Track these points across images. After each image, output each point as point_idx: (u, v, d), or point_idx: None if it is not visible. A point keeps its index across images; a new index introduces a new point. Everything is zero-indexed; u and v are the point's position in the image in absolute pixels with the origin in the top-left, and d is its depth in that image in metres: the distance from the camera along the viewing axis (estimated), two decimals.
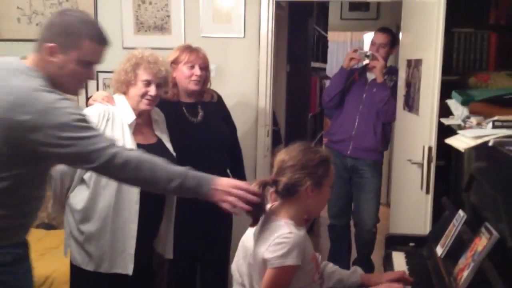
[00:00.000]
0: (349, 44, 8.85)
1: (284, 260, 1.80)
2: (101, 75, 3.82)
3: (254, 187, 1.89)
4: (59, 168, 2.39)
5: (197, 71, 2.86)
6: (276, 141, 4.12)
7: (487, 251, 1.76)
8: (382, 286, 2.08)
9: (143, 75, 2.49)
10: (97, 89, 3.83)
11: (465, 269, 1.84)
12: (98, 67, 3.80)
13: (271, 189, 1.98)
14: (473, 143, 1.82)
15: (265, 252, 1.84)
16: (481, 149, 2.05)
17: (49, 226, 3.72)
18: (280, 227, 1.86)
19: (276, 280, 1.83)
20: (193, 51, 2.91)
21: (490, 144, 1.74)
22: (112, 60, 3.67)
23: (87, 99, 2.69)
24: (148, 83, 2.49)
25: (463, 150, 1.93)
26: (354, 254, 4.07)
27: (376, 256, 4.10)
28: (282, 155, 1.96)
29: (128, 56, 2.56)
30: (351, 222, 4.06)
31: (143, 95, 2.49)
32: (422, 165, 2.84)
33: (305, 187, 1.88)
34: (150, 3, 3.71)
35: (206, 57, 2.96)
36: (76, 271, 2.49)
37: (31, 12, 3.83)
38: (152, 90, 2.49)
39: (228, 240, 3.08)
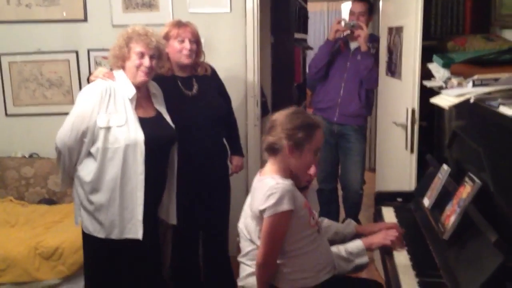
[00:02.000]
0: (326, 14, 8.97)
1: (278, 207, 2.00)
2: (92, 53, 3.92)
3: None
4: (67, 143, 2.52)
5: (187, 44, 2.97)
6: (264, 111, 4.27)
7: (472, 197, 1.94)
8: (380, 234, 2.27)
9: (135, 47, 2.59)
10: (88, 67, 3.93)
11: (451, 215, 2.03)
12: (89, 46, 3.94)
13: None
14: (456, 100, 1.98)
15: (259, 206, 2.04)
16: (461, 107, 2.21)
17: (50, 201, 3.82)
18: (268, 181, 2.07)
19: (273, 227, 2.02)
20: (182, 26, 3.02)
21: (472, 101, 1.90)
22: (102, 38, 3.85)
23: (88, 76, 2.78)
24: (141, 55, 2.59)
25: (447, 108, 2.10)
26: (342, 215, 4.27)
27: (363, 217, 4.31)
28: (274, 116, 2.18)
29: (121, 32, 2.66)
30: (339, 186, 4.26)
31: (138, 67, 2.60)
32: (406, 127, 3.02)
33: (284, 146, 2.09)
34: None
35: (196, 31, 3.06)
36: (88, 239, 2.63)
37: None
38: (146, 61, 2.60)
39: (227, 208, 3.24)
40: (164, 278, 2.98)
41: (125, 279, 2.67)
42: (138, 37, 2.60)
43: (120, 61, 2.64)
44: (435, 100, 2.19)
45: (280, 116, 2.15)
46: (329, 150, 4.03)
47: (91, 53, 3.92)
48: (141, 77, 2.62)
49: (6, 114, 4.04)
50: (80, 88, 3.91)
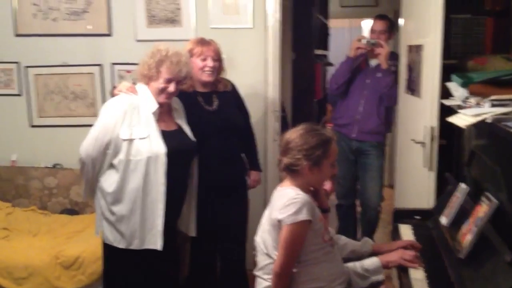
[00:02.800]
0: (347, 30, 9.00)
1: (297, 217, 2.05)
2: (115, 67, 4.00)
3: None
4: (91, 154, 2.58)
5: (209, 62, 3.02)
6: (284, 127, 4.30)
7: (488, 216, 1.95)
8: (396, 253, 2.29)
9: (165, 74, 2.62)
10: (112, 80, 4.01)
11: (468, 233, 2.03)
12: (113, 59, 4.02)
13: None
14: (473, 120, 2.00)
15: (278, 215, 2.09)
16: (480, 127, 2.23)
17: (72, 212, 3.90)
18: (287, 192, 2.13)
19: (292, 235, 2.07)
20: (205, 44, 3.07)
21: (489, 121, 1.92)
22: (126, 52, 3.93)
23: (112, 89, 2.84)
24: (169, 81, 2.64)
25: (464, 127, 2.12)
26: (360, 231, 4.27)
27: (380, 234, 4.31)
28: (287, 136, 2.23)
29: (153, 50, 2.67)
30: (357, 202, 4.27)
31: (163, 90, 2.65)
32: (425, 144, 3.03)
33: (303, 167, 2.14)
34: None
35: (219, 49, 3.12)
36: (108, 249, 2.68)
37: (46, 7, 3.98)
38: (171, 87, 2.65)
39: (245, 220, 3.27)
40: None
41: None
42: (170, 65, 2.62)
43: (146, 79, 2.68)
44: (452, 119, 2.21)
45: (294, 136, 2.19)
46: (348, 166, 4.05)
47: (115, 67, 4.00)
48: (163, 99, 2.67)
49: (31, 125, 4.13)
50: (103, 101, 4.00)
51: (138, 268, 2.68)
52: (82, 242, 3.27)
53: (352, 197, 4.23)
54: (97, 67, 4.03)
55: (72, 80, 4.07)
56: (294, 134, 2.20)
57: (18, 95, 4.11)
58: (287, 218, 2.05)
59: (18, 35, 4.05)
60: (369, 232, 4.06)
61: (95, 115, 4.01)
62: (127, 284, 2.70)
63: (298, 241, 2.09)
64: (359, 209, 4.25)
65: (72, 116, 4.10)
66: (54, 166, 4.08)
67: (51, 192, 3.99)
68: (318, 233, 2.14)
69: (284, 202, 2.08)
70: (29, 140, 4.14)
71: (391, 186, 4.54)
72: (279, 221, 2.08)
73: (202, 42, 3.07)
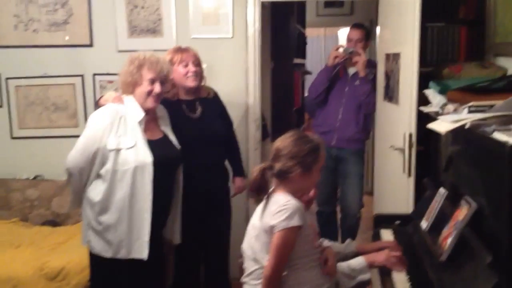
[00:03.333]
0: (323, 39, 9.12)
1: (288, 222, 2.10)
2: (97, 77, 4.01)
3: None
4: (78, 164, 2.60)
5: (191, 67, 3.08)
6: (264, 135, 4.35)
7: (467, 220, 2.02)
8: (383, 253, 2.35)
9: (147, 75, 2.68)
10: (93, 91, 4.02)
11: (448, 237, 2.10)
12: (94, 70, 4.03)
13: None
14: (452, 126, 2.07)
15: (270, 221, 2.14)
16: (457, 133, 2.30)
17: (54, 223, 3.88)
18: (279, 199, 2.18)
19: (283, 241, 2.11)
20: (184, 51, 3.13)
21: (467, 126, 2.00)
22: (107, 63, 3.95)
23: (97, 100, 2.86)
24: (152, 81, 2.69)
25: (443, 133, 2.19)
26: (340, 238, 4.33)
27: (360, 240, 4.34)
28: (278, 143, 2.27)
29: (131, 58, 2.74)
30: (338, 209, 4.33)
31: (149, 93, 2.69)
32: (403, 151, 3.11)
33: (295, 173, 2.19)
34: (143, 7, 3.91)
35: (197, 54, 3.17)
36: (95, 259, 2.70)
37: (27, 19, 3.98)
38: (156, 88, 2.69)
39: (228, 228, 3.31)
40: None
41: None
42: (150, 65, 2.69)
43: (131, 88, 2.72)
44: (432, 125, 2.28)
45: (286, 144, 2.23)
46: (328, 173, 4.11)
47: (96, 78, 4.02)
48: (151, 103, 2.71)
49: (12, 137, 4.12)
50: (85, 111, 4.02)
51: (125, 277, 2.69)
52: (66, 253, 3.27)
53: (332, 204, 4.29)
54: (78, 78, 4.04)
55: (53, 91, 4.07)
56: (285, 141, 2.24)
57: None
58: (279, 224, 2.10)
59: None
60: (350, 237, 4.07)
61: (76, 126, 4.03)
62: None
63: (289, 246, 2.13)
64: (340, 215, 4.31)
65: (54, 127, 4.09)
66: (35, 177, 4.06)
67: (32, 204, 3.97)
68: (309, 239, 2.19)
69: (276, 208, 2.13)
70: (10, 151, 4.12)
71: (371, 193, 4.61)
72: (271, 227, 2.12)
73: (181, 49, 3.13)
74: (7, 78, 4.05)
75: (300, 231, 2.13)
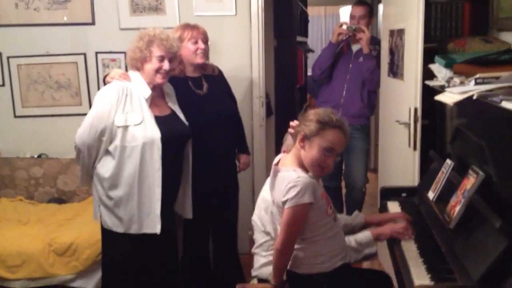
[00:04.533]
0: (323, 18, 9.11)
1: (299, 200, 2.10)
2: (99, 56, 4.01)
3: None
4: (86, 141, 2.61)
5: (201, 44, 3.09)
6: (268, 112, 4.38)
7: (476, 188, 2.05)
8: (387, 226, 2.39)
9: (157, 52, 2.68)
10: (96, 69, 4.03)
11: (456, 205, 2.14)
12: (97, 48, 4.02)
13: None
14: (460, 97, 2.09)
15: (281, 197, 2.13)
16: (463, 105, 2.33)
17: (60, 201, 3.91)
18: (290, 174, 2.16)
19: (293, 217, 2.12)
20: (194, 28, 3.13)
21: (475, 97, 2.02)
22: (109, 41, 3.95)
23: (104, 77, 2.87)
24: (162, 59, 2.69)
25: (452, 104, 2.21)
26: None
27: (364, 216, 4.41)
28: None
29: (140, 34, 2.74)
30: (343, 184, 4.37)
31: (158, 70, 2.70)
32: (409, 125, 3.13)
33: (299, 136, 2.20)
34: None
35: (206, 32, 3.18)
36: (107, 234, 2.73)
37: None
38: (166, 65, 2.70)
39: (236, 203, 3.35)
40: (178, 272, 3.06)
41: (142, 273, 2.76)
42: (160, 42, 2.68)
43: (139, 63, 2.72)
44: (440, 97, 2.31)
45: (311, 110, 2.27)
46: None
47: (99, 56, 4.01)
48: (159, 79, 2.71)
49: (15, 116, 4.12)
50: (88, 90, 4.02)
51: (137, 252, 2.73)
52: (75, 229, 3.30)
53: (337, 179, 4.33)
54: (81, 56, 4.04)
55: (55, 69, 4.07)
56: (315, 109, 2.28)
57: (1, 85, 4.09)
58: (290, 201, 2.10)
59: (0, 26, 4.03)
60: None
61: (79, 104, 4.04)
62: (126, 268, 2.75)
63: (299, 222, 2.14)
64: (344, 191, 4.35)
65: (57, 106, 4.10)
66: (40, 156, 4.08)
67: (37, 182, 3.99)
68: (322, 210, 2.20)
69: (286, 184, 2.12)
70: (14, 130, 4.13)
71: (375, 171, 4.65)
72: (283, 203, 2.13)
73: (190, 26, 3.13)
74: (9, 57, 4.05)
75: (312, 206, 2.14)
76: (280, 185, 2.17)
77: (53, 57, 4.06)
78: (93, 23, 4.00)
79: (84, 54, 4.04)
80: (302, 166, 2.22)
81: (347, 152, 4.13)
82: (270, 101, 4.63)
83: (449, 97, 2.21)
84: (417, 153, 3.10)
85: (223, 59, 3.75)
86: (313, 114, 2.22)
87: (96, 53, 4.03)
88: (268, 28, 4.59)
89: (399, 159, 3.40)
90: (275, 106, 4.78)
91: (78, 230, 3.26)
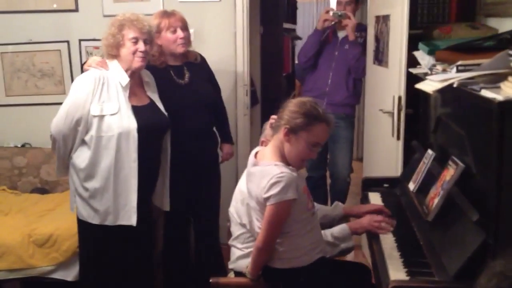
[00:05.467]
0: (315, 4, 9.02)
1: (282, 196, 2.04)
2: (83, 43, 3.95)
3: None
4: (61, 131, 2.56)
5: (180, 33, 3.01)
6: (253, 101, 4.32)
7: (455, 180, 2.02)
8: (365, 219, 2.34)
9: (129, 34, 2.62)
10: (80, 57, 3.96)
11: (435, 197, 2.10)
12: (80, 36, 3.95)
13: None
14: (440, 85, 2.04)
15: (262, 193, 2.07)
16: (446, 94, 2.28)
17: (43, 191, 3.86)
18: (272, 169, 2.09)
19: (276, 214, 2.07)
20: (171, 15, 3.04)
21: (455, 85, 1.97)
22: (93, 28, 3.88)
23: (82, 65, 2.82)
24: (136, 40, 2.62)
25: (431, 93, 2.16)
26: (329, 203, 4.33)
27: (349, 205, 4.37)
28: (291, 100, 2.22)
29: (111, 21, 2.69)
30: (327, 174, 4.32)
31: (134, 53, 2.63)
32: (392, 114, 3.09)
33: (282, 128, 2.13)
34: None
35: (184, 18, 3.09)
36: (83, 225, 2.69)
37: None
38: (141, 46, 2.63)
39: (217, 194, 3.30)
40: (153, 264, 3.02)
41: (118, 264, 2.72)
42: (131, 23, 2.63)
43: (115, 50, 2.66)
44: (420, 85, 2.26)
45: (293, 101, 2.19)
46: None
47: (82, 43, 3.95)
48: (137, 62, 2.64)
49: None
50: (72, 78, 3.95)
51: (113, 244, 2.68)
52: (55, 220, 3.25)
53: (322, 169, 4.27)
54: (64, 44, 3.98)
55: (39, 57, 4.01)
56: (295, 100, 2.20)
57: None
58: (272, 198, 2.04)
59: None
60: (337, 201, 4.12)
61: (63, 93, 3.98)
62: (102, 260, 2.71)
63: (282, 219, 2.09)
64: (329, 181, 4.30)
65: (40, 95, 4.04)
66: (23, 145, 4.03)
67: (20, 172, 3.94)
68: (303, 204, 2.15)
69: (268, 180, 2.05)
70: None
71: (360, 159, 4.60)
72: (265, 199, 2.07)
73: (167, 14, 3.05)
74: None
75: (294, 203, 2.09)
76: (261, 180, 2.10)
77: (36, 45, 3.99)
78: (76, 10, 3.94)
79: (68, 42, 3.98)
80: (283, 159, 2.16)
81: (332, 141, 4.07)
82: (255, 90, 4.57)
83: (429, 85, 2.16)
84: (400, 143, 3.06)
85: (206, 46, 3.69)
86: (297, 106, 2.14)
87: (80, 40, 3.97)
88: (254, 14, 4.53)
89: (383, 149, 3.36)
90: (261, 94, 4.73)
91: (58, 221, 3.21)
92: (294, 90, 5.91)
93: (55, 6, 3.92)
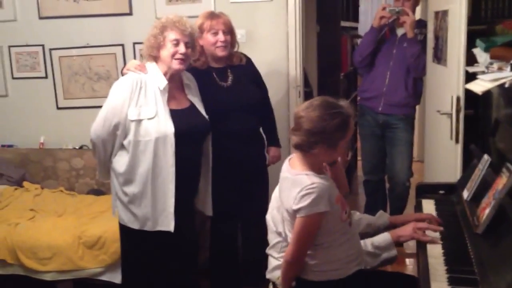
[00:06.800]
0: (383, 1, 8.73)
1: (312, 209, 1.92)
2: (137, 46, 3.96)
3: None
4: (100, 135, 2.56)
5: (221, 36, 2.94)
6: None
7: (507, 189, 1.83)
8: (408, 226, 2.17)
9: (171, 35, 2.60)
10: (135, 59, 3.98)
11: (487, 207, 1.92)
12: (134, 39, 3.98)
13: None
14: (489, 85, 1.87)
15: (293, 205, 1.95)
16: (505, 94, 2.09)
17: (99, 192, 3.92)
18: (303, 180, 1.97)
19: (306, 227, 1.95)
20: (215, 17, 2.98)
21: (507, 85, 1.79)
22: (146, 31, 3.81)
23: (122, 68, 2.81)
24: (177, 42, 2.60)
25: (480, 93, 1.98)
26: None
27: (410, 211, 4.15)
28: (300, 110, 2.03)
29: (154, 23, 2.68)
30: (386, 178, 4.13)
31: (174, 55, 2.60)
32: (451, 115, 2.88)
33: (318, 149, 1.97)
34: None
35: (229, 21, 3.01)
36: (124, 229, 2.68)
37: None
38: (181, 48, 2.60)
39: (265, 197, 3.19)
40: (198, 270, 2.97)
41: (160, 270, 2.69)
42: (173, 25, 2.60)
43: (155, 51, 2.64)
44: (469, 86, 2.08)
45: (308, 115, 1.98)
46: (375, 141, 3.93)
47: (136, 46, 3.96)
48: (176, 65, 2.61)
49: (57, 107, 4.16)
50: None
51: (154, 249, 2.66)
52: (105, 222, 3.27)
53: (380, 172, 4.09)
54: (119, 47, 4.02)
55: (95, 61, 4.07)
56: (309, 113, 1.98)
57: (45, 77, 4.14)
58: (302, 210, 1.93)
59: (42, 18, 4.07)
60: (399, 208, 3.93)
61: None
62: (144, 264, 2.69)
63: (312, 232, 1.98)
64: (388, 185, 4.11)
65: (97, 97, 4.09)
66: (81, 147, 4.10)
67: (78, 173, 4.02)
68: (336, 215, 2.02)
69: (299, 191, 1.94)
70: (56, 122, 4.18)
71: (422, 161, 4.38)
72: (294, 211, 1.96)
73: (212, 15, 2.99)
74: (51, 49, 4.08)
75: (325, 215, 1.96)
76: (291, 190, 1.98)
77: (93, 49, 4.05)
78: (130, 14, 3.97)
79: (122, 45, 4.01)
80: (314, 169, 2.02)
81: (390, 144, 3.89)
82: (312, 91, 4.44)
83: (478, 86, 1.98)
84: (459, 146, 2.85)
85: (258, 47, 3.63)
86: (322, 122, 1.95)
87: (134, 43, 3.99)
88: (310, 13, 4.40)
89: (442, 152, 3.16)
90: (317, 95, 4.58)
91: (108, 223, 3.22)
92: (356, 89, 5.71)
93: (110, 9, 3.96)
